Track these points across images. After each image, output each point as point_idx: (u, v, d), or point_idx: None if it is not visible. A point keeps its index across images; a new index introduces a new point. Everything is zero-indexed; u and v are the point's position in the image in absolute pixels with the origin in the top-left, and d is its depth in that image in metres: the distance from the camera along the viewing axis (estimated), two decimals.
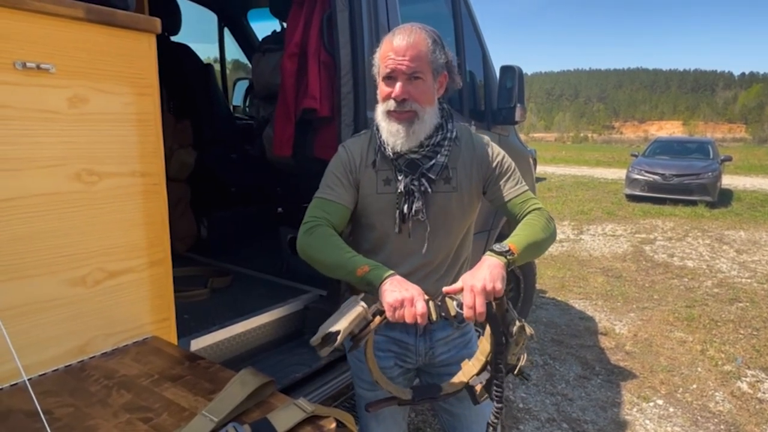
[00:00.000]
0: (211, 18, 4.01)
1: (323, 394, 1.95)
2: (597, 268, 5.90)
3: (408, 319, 1.10)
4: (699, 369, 3.45)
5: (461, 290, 1.12)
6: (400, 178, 1.35)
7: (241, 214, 3.38)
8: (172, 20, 3.03)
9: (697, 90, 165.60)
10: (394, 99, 1.27)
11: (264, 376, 1.02)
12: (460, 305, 1.11)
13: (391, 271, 1.17)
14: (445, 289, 1.16)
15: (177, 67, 2.98)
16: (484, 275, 1.12)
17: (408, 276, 1.23)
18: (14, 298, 1.06)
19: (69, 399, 1.01)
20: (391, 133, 1.30)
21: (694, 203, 10.02)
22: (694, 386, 3.23)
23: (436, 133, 1.35)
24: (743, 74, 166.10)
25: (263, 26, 3.96)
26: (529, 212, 1.36)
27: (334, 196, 1.34)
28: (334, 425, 0.96)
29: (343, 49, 1.97)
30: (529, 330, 1.18)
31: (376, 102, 1.36)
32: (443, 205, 1.38)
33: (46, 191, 1.10)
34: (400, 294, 1.11)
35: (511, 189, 1.40)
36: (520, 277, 3.31)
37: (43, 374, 1.10)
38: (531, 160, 3.40)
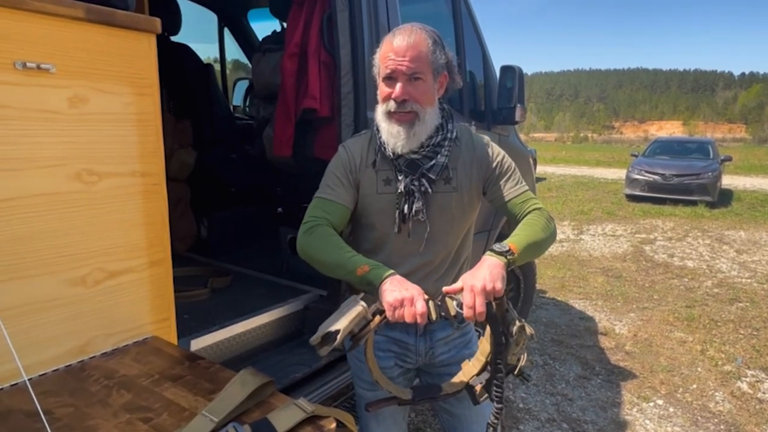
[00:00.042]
0: (211, 18, 4.01)
1: (323, 394, 1.95)
2: (597, 268, 5.90)
3: (408, 319, 1.10)
4: (699, 369, 3.45)
5: (461, 290, 1.12)
6: (400, 178, 1.35)
7: (241, 214, 3.38)
8: (172, 20, 3.03)
9: (697, 90, 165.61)
10: (395, 100, 1.27)
11: (264, 376, 1.02)
12: (460, 305, 1.11)
13: (391, 271, 1.17)
14: (445, 288, 1.16)
15: (177, 67, 2.98)
16: (484, 275, 1.12)
17: (408, 276, 1.23)
18: (14, 298, 1.06)
19: (69, 399, 1.01)
20: (392, 135, 1.30)
21: (694, 203, 10.02)
22: (694, 386, 3.23)
23: (436, 133, 1.35)
24: (743, 74, 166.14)
25: (263, 26, 3.96)
26: (529, 212, 1.36)
27: (334, 196, 1.34)
28: (334, 425, 0.96)
29: (343, 49, 1.97)
30: (529, 330, 1.18)
31: (376, 102, 1.36)
32: (443, 205, 1.38)
33: (46, 191, 1.10)
34: (400, 293, 1.11)
35: (511, 189, 1.39)
36: (520, 277, 3.31)
37: (44, 374, 1.10)
38: (531, 160, 3.40)
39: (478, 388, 1.28)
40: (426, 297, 1.13)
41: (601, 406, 2.98)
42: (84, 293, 1.18)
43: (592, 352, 3.68)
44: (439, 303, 1.14)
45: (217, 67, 4.11)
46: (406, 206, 1.34)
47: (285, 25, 2.51)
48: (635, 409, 2.95)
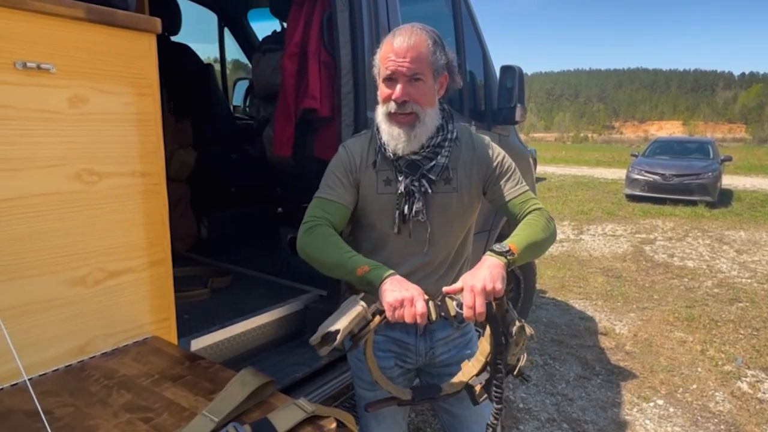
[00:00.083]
0: (211, 18, 4.01)
1: (323, 394, 1.95)
2: (597, 268, 5.90)
3: (408, 319, 1.10)
4: (699, 369, 3.45)
5: (461, 290, 1.12)
6: (400, 178, 1.35)
7: (241, 214, 3.38)
8: (172, 20, 3.03)
9: (697, 90, 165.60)
10: (395, 101, 1.27)
11: (264, 376, 1.02)
12: (460, 305, 1.11)
13: (391, 271, 1.17)
14: (445, 289, 1.16)
15: (177, 67, 2.98)
16: (484, 275, 1.12)
17: (408, 276, 1.23)
18: (14, 298, 1.06)
19: (69, 399, 1.01)
20: (392, 137, 1.30)
21: (694, 203, 10.02)
22: (694, 386, 3.23)
23: (436, 134, 1.35)
24: (743, 74, 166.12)
25: (263, 26, 3.96)
26: (529, 212, 1.36)
27: (335, 196, 1.34)
28: (334, 425, 0.96)
29: (344, 49, 1.97)
30: (529, 330, 1.18)
31: (377, 102, 1.36)
32: (443, 206, 1.38)
33: (46, 191, 1.10)
34: (400, 294, 1.11)
35: (512, 189, 1.39)
36: (520, 278, 3.31)
37: (44, 374, 1.10)
38: (531, 160, 3.40)
39: (477, 388, 1.28)
40: (426, 297, 1.13)
41: (601, 406, 2.98)
42: (84, 293, 1.18)
43: (592, 352, 3.68)
44: (439, 303, 1.14)
45: (217, 67, 4.11)
46: (406, 207, 1.34)
47: (285, 25, 2.51)
48: (635, 409, 2.95)
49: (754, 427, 2.80)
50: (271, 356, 2.06)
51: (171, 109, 3.00)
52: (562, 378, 3.29)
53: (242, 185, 3.41)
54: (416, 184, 1.34)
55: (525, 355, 1.23)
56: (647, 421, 2.84)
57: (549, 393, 3.10)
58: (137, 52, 1.24)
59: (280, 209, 3.32)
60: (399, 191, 1.35)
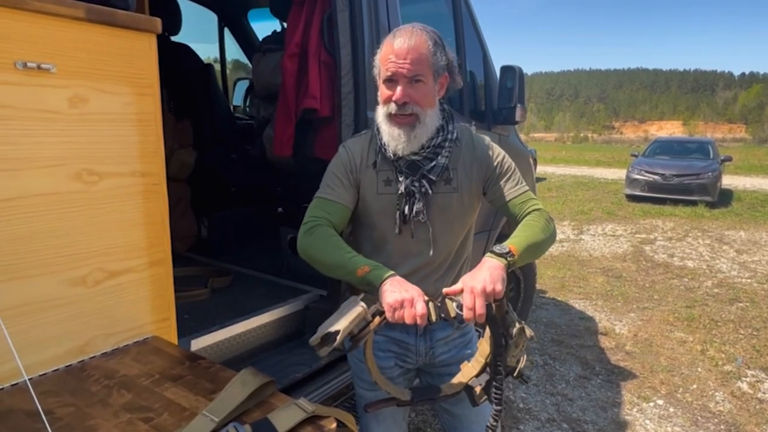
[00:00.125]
0: (211, 18, 4.01)
1: (324, 394, 1.95)
2: (597, 268, 5.90)
3: (407, 320, 1.10)
4: (699, 369, 3.45)
5: (461, 291, 1.12)
6: (400, 179, 1.35)
7: (242, 214, 3.38)
8: (172, 20, 3.03)
9: (697, 90, 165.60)
10: (395, 102, 1.27)
11: (264, 376, 1.02)
12: (460, 306, 1.11)
13: (392, 272, 1.17)
14: (445, 290, 1.16)
15: (177, 67, 2.98)
16: (485, 277, 1.12)
17: (408, 276, 1.23)
18: (14, 298, 1.06)
19: (69, 399, 1.01)
20: (393, 138, 1.30)
21: (694, 203, 10.02)
22: (695, 386, 3.23)
23: (437, 134, 1.35)
24: (743, 74, 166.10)
25: (263, 26, 3.96)
26: (529, 213, 1.36)
27: (335, 196, 1.34)
28: (334, 425, 0.96)
29: (344, 49, 1.97)
30: (529, 332, 1.18)
31: (377, 102, 1.36)
32: (444, 206, 1.38)
33: (46, 191, 1.10)
34: (400, 295, 1.11)
35: (512, 189, 1.39)
36: (520, 278, 3.31)
37: (44, 374, 1.10)
38: (531, 160, 3.40)
39: (477, 389, 1.28)
40: (426, 298, 1.13)
41: (601, 406, 2.98)
42: (84, 293, 1.18)
43: (592, 352, 3.68)
44: (439, 304, 1.14)
45: (218, 67, 4.11)
46: (406, 207, 1.34)
47: (285, 25, 2.51)
48: (635, 409, 2.95)
49: (754, 427, 2.80)
50: (272, 356, 2.06)
51: (171, 108, 3.01)
52: (562, 378, 3.29)
53: (242, 185, 3.41)
54: (416, 184, 1.34)
55: (525, 356, 1.23)
56: (647, 421, 2.84)
57: (549, 393, 3.10)
58: (137, 52, 1.24)
59: (280, 209, 3.31)
60: (399, 192, 1.35)
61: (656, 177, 10.50)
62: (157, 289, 1.33)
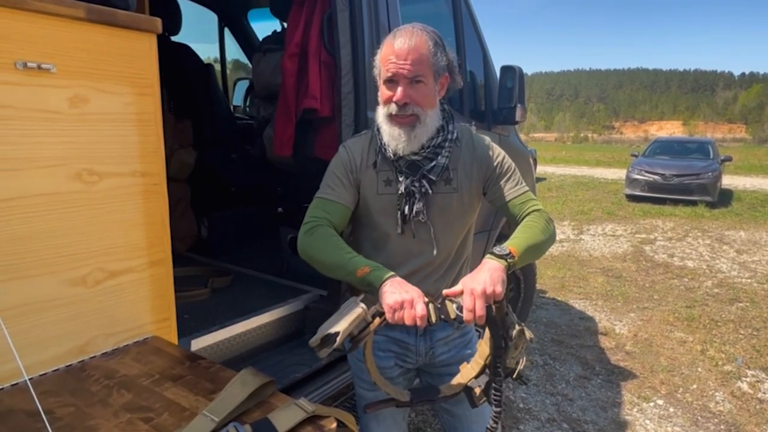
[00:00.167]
0: (211, 18, 4.01)
1: (324, 394, 1.95)
2: (597, 268, 5.90)
3: (407, 322, 1.10)
4: (699, 369, 3.45)
5: (461, 293, 1.12)
6: (400, 179, 1.35)
7: (242, 214, 3.38)
8: (172, 20, 3.03)
9: (697, 90, 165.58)
10: (396, 103, 1.27)
11: (264, 376, 1.02)
12: (460, 308, 1.11)
13: (392, 273, 1.17)
14: (445, 291, 1.16)
15: (177, 67, 2.98)
16: (485, 278, 1.12)
17: (409, 276, 1.23)
18: (14, 298, 1.06)
19: (70, 399, 1.01)
20: (393, 137, 1.30)
21: (694, 203, 10.02)
22: (695, 386, 3.23)
23: (437, 134, 1.35)
24: (743, 74, 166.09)
25: (263, 26, 3.96)
26: (529, 213, 1.36)
27: (335, 196, 1.34)
28: (334, 425, 0.96)
29: (344, 49, 1.97)
30: (528, 334, 1.18)
31: (377, 102, 1.36)
32: (444, 206, 1.38)
33: (47, 191, 1.10)
34: (400, 296, 1.11)
35: (512, 190, 1.39)
36: (520, 278, 3.31)
37: (44, 374, 1.10)
38: (531, 160, 3.40)
39: (476, 390, 1.28)
40: (426, 300, 1.13)
41: (601, 406, 2.98)
42: (84, 293, 1.18)
43: (593, 352, 3.68)
44: (439, 306, 1.14)
45: (218, 67, 4.11)
46: (406, 207, 1.34)
47: (285, 25, 2.51)
48: (635, 409, 2.95)
49: (754, 427, 2.80)
50: (272, 356, 2.06)
51: (171, 109, 3.01)
52: (562, 378, 3.29)
53: (242, 185, 3.41)
54: (416, 184, 1.34)
55: (524, 358, 1.23)
56: (647, 421, 2.84)
57: (549, 393, 3.10)
58: (138, 52, 1.24)
59: (280, 209, 3.31)
60: (399, 192, 1.35)
61: (656, 177, 10.50)
62: (157, 289, 1.33)
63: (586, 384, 3.22)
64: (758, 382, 3.28)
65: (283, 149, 2.34)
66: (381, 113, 1.33)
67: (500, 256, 1.18)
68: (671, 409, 2.97)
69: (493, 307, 1.13)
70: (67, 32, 1.10)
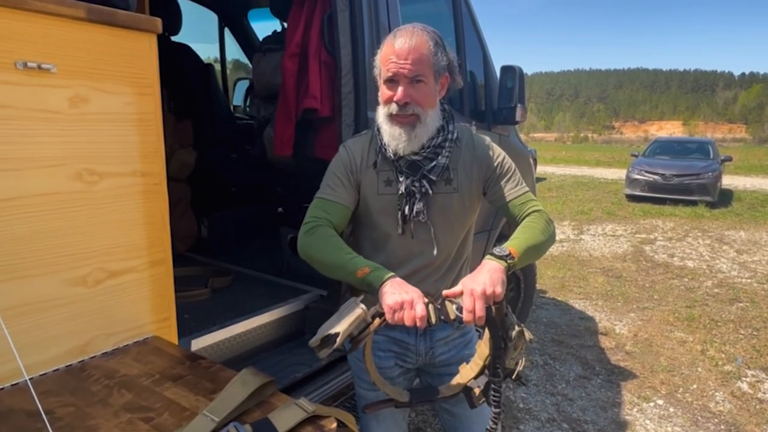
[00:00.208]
0: (211, 18, 4.01)
1: (324, 394, 1.95)
2: (597, 268, 5.90)
3: (407, 322, 1.10)
4: (699, 369, 3.45)
5: (461, 294, 1.12)
6: (401, 179, 1.35)
7: (242, 214, 3.38)
8: (172, 20, 3.03)
9: (697, 90, 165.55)
10: (396, 103, 1.27)
11: (265, 375, 1.02)
12: (460, 309, 1.11)
13: (392, 273, 1.17)
14: (445, 292, 1.16)
15: (177, 67, 2.98)
16: (484, 279, 1.12)
17: (409, 276, 1.23)
18: (15, 298, 1.06)
19: (70, 399, 1.01)
20: (393, 137, 1.30)
21: (694, 203, 10.02)
22: (695, 386, 3.23)
23: (437, 134, 1.35)
24: (743, 74, 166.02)
25: (264, 26, 3.96)
26: (529, 214, 1.36)
27: (335, 196, 1.34)
28: (334, 425, 0.96)
29: (344, 48, 1.97)
30: (528, 335, 1.18)
31: (377, 102, 1.36)
32: (444, 206, 1.38)
33: (47, 191, 1.10)
34: (399, 296, 1.11)
35: (512, 190, 1.39)
36: (520, 278, 3.31)
37: (44, 374, 1.10)
38: (531, 161, 3.40)
39: (476, 391, 1.28)
40: (426, 300, 1.13)
41: (601, 406, 2.98)
42: (84, 293, 1.18)
43: (593, 352, 3.68)
44: (439, 306, 1.14)
45: (218, 67, 4.11)
46: (407, 207, 1.34)
47: (285, 25, 2.51)
48: (635, 409, 2.95)
49: (754, 427, 2.80)
50: (272, 356, 2.07)
51: (171, 108, 3.01)
52: (562, 378, 3.29)
53: (242, 185, 3.42)
54: (417, 184, 1.34)
55: (523, 359, 1.23)
56: (647, 421, 2.84)
57: (549, 393, 3.10)
58: (138, 52, 1.24)
59: (280, 209, 3.32)
60: (399, 192, 1.35)
61: (656, 177, 10.50)
62: (158, 288, 1.33)
63: (586, 384, 3.22)
64: (758, 382, 3.28)
65: (283, 149, 2.34)
66: (381, 113, 1.33)
67: (500, 257, 1.18)
68: (671, 409, 2.97)
69: (493, 307, 1.13)
70: (67, 32, 1.10)
